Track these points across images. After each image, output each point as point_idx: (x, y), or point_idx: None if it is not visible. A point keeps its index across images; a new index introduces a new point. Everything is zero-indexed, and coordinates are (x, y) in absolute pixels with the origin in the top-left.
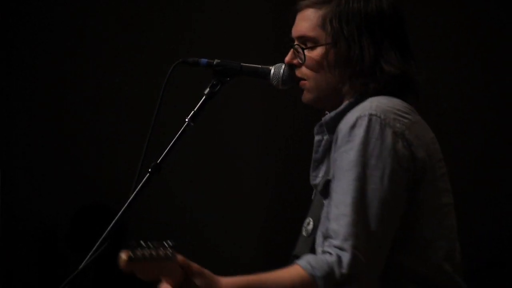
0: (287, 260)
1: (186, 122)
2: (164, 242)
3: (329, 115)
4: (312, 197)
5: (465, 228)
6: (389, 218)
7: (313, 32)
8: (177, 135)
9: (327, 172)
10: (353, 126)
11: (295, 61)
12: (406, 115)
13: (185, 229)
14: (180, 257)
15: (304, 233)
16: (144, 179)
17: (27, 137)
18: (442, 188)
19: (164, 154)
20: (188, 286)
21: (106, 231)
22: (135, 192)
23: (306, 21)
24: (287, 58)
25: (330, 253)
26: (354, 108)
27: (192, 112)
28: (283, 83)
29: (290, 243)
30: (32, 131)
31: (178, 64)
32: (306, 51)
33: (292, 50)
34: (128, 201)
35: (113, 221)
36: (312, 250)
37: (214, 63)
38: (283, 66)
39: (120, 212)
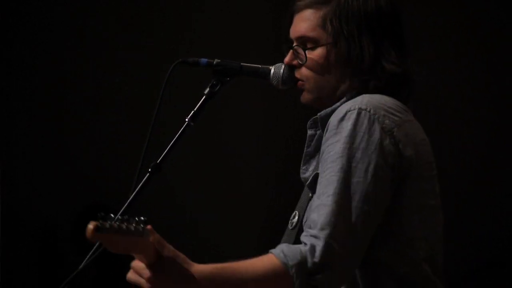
0: None
1: (186, 122)
2: (137, 218)
3: (324, 111)
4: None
5: (465, 228)
6: (370, 212)
7: (314, 33)
8: (177, 135)
9: (317, 167)
10: (341, 119)
11: (294, 62)
12: (397, 113)
13: (185, 228)
14: (155, 236)
15: (289, 226)
16: (144, 179)
17: (27, 137)
18: (427, 189)
19: (164, 154)
20: (161, 267)
21: None
22: (135, 192)
23: (305, 22)
24: (286, 59)
25: (305, 243)
26: (346, 102)
27: (192, 112)
28: (283, 83)
29: None
30: (32, 131)
31: (178, 64)
32: (306, 52)
33: (291, 51)
34: (128, 201)
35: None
36: (296, 242)
37: (214, 63)
38: (283, 66)
39: (120, 212)
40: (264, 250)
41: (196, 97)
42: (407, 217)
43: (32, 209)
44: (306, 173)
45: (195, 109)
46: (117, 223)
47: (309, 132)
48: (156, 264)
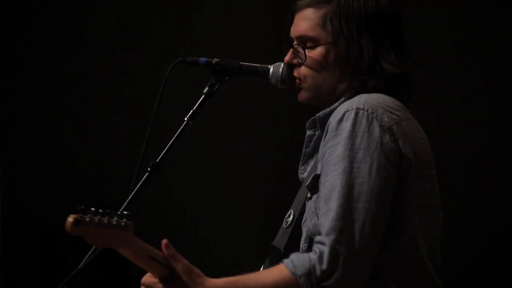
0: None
1: (185, 121)
2: (119, 212)
3: (323, 112)
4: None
5: (465, 228)
6: (378, 211)
7: (314, 32)
8: (176, 134)
9: (314, 167)
10: (340, 120)
11: (294, 61)
12: (395, 112)
13: (184, 228)
14: (171, 251)
15: (284, 224)
16: (143, 178)
17: (27, 137)
18: (426, 189)
19: (163, 153)
20: (174, 281)
21: None
22: (134, 191)
23: (306, 21)
24: (286, 58)
25: (315, 251)
26: (343, 103)
27: (191, 111)
28: (282, 82)
29: None
30: (32, 131)
31: (177, 63)
32: (306, 51)
33: (291, 50)
34: (127, 200)
35: None
36: (290, 241)
37: (213, 62)
38: (282, 65)
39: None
40: (263, 250)
41: (195, 97)
42: (408, 216)
43: (32, 209)
44: (304, 173)
45: (194, 109)
46: (98, 216)
47: (308, 132)
48: (169, 277)
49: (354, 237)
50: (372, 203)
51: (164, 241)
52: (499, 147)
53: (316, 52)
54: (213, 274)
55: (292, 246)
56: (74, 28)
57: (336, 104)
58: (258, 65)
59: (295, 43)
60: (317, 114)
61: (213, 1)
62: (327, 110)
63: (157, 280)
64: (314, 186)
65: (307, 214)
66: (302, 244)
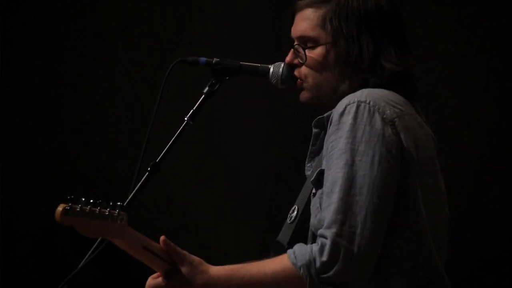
0: None
1: (185, 121)
2: (112, 202)
3: (330, 112)
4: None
5: (465, 228)
6: (380, 204)
7: (313, 32)
8: (176, 134)
9: (319, 163)
10: (342, 114)
11: (295, 61)
12: (398, 106)
13: (184, 228)
14: (169, 245)
15: (288, 220)
16: (144, 178)
17: (27, 137)
18: (429, 184)
19: (163, 153)
20: (175, 273)
21: None
22: (134, 191)
23: (305, 21)
24: (287, 59)
25: (317, 243)
26: (346, 97)
27: (191, 111)
28: (282, 82)
29: None
30: (32, 131)
31: (177, 63)
32: (306, 51)
33: (292, 50)
34: (127, 200)
35: None
36: (294, 236)
37: (213, 62)
38: (282, 65)
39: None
40: (263, 249)
41: (195, 96)
42: (412, 211)
43: (32, 209)
44: (311, 170)
45: (194, 108)
46: (89, 206)
47: (315, 130)
48: (171, 271)
49: (355, 230)
50: (374, 196)
51: (162, 238)
52: (499, 147)
53: (316, 52)
54: None
55: (296, 241)
56: (74, 28)
57: None
58: (259, 65)
59: (295, 43)
60: (325, 115)
61: (213, 1)
62: (333, 110)
63: (160, 281)
64: (318, 181)
65: (311, 210)
66: (308, 243)
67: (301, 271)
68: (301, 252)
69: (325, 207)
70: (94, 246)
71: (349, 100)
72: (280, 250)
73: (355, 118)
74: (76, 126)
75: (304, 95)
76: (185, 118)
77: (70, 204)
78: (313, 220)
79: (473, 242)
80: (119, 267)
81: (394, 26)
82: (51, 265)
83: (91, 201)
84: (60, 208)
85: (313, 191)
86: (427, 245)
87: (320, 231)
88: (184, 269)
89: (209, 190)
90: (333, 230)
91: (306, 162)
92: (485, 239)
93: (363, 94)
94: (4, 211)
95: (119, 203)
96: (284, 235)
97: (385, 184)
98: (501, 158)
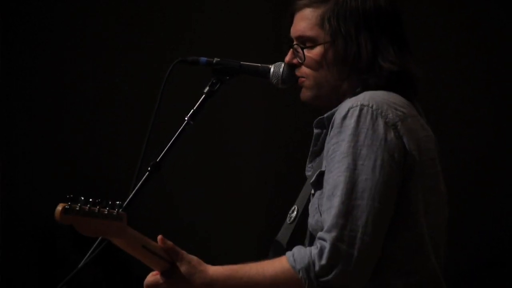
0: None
1: (186, 121)
2: (111, 201)
3: (331, 112)
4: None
5: (465, 228)
6: (381, 209)
7: (312, 32)
8: (177, 134)
9: (319, 164)
10: (344, 117)
11: (295, 61)
12: (400, 108)
13: (184, 228)
14: (167, 244)
15: (287, 220)
16: (144, 178)
17: (27, 137)
18: (431, 186)
19: (164, 153)
20: (174, 272)
21: None
22: (134, 191)
23: (304, 21)
24: (287, 58)
25: (316, 246)
26: (348, 99)
27: (192, 110)
28: (282, 81)
29: None
30: (32, 131)
31: (177, 63)
32: (305, 51)
33: (291, 50)
34: (128, 199)
35: None
36: (293, 236)
37: (214, 61)
38: (282, 65)
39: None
40: (263, 249)
41: (195, 96)
42: (412, 213)
43: (32, 209)
44: (311, 171)
45: (194, 108)
46: (89, 205)
47: (316, 131)
48: (169, 270)
49: (356, 234)
50: (376, 200)
51: (160, 237)
52: (499, 147)
53: (315, 52)
54: None
55: (295, 241)
56: (74, 28)
57: (343, 104)
58: (259, 64)
59: (294, 43)
60: (325, 114)
61: (213, 1)
62: (334, 110)
63: (158, 279)
64: (318, 183)
65: (310, 210)
66: (306, 241)
67: (300, 274)
68: (300, 255)
69: (325, 210)
70: (94, 246)
71: (352, 104)
72: (279, 250)
73: (357, 122)
74: (76, 126)
75: (304, 94)
76: (186, 118)
77: (69, 203)
78: (310, 220)
79: (473, 242)
80: (119, 266)
81: (393, 26)
82: (51, 265)
83: (91, 200)
84: (59, 207)
85: (312, 191)
86: (425, 247)
87: (319, 234)
88: (182, 268)
89: (209, 190)
90: (333, 234)
91: (307, 162)
92: (485, 240)
93: (365, 97)
94: (4, 211)
95: (118, 203)
96: (283, 235)
97: (386, 188)
98: (501, 158)
